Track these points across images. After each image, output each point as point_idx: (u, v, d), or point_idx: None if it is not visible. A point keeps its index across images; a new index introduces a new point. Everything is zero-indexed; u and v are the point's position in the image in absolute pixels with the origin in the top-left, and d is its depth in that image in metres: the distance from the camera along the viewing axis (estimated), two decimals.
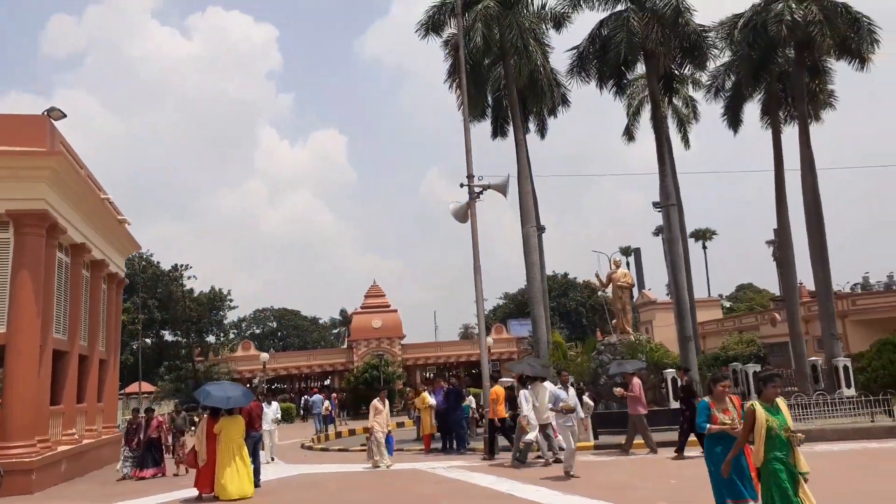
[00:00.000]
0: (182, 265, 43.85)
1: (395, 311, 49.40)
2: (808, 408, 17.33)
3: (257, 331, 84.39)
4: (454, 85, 27.18)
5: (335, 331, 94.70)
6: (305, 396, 42.78)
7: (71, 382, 18.71)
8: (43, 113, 17.76)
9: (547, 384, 14.73)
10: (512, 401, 15.93)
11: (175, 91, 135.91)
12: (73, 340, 18.90)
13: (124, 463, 16.74)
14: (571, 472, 11.84)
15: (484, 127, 29.93)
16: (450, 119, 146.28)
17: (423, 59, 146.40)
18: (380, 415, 15.28)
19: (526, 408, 13.79)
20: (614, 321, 25.68)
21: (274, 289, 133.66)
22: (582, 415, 13.62)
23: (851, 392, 19.94)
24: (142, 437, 16.56)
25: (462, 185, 18.11)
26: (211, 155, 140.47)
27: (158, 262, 55.50)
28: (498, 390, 16.58)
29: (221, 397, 11.96)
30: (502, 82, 27.70)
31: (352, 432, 28.69)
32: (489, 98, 29.23)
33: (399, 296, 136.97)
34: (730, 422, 6.56)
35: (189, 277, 44.18)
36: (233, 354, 48.10)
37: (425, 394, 18.06)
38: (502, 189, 17.63)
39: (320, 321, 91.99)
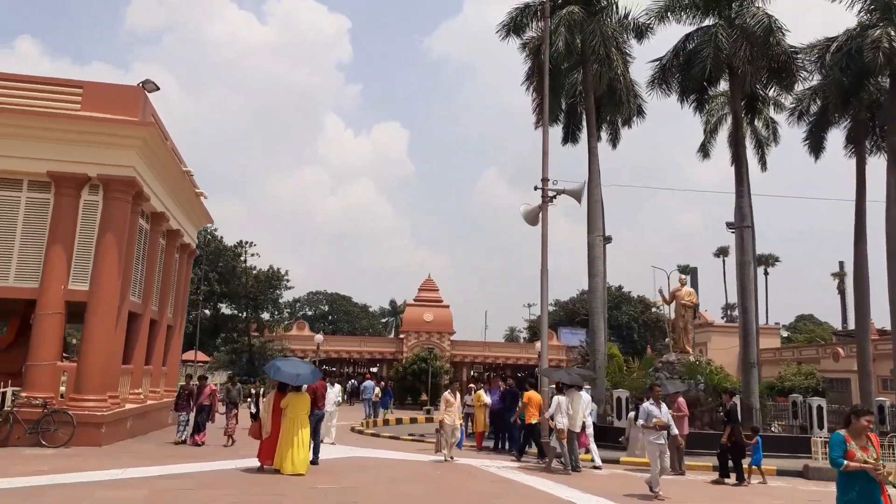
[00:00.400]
0: (247, 242, 45.03)
1: (447, 306, 49.63)
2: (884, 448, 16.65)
3: (309, 312, 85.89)
4: (531, 88, 27.17)
5: (384, 320, 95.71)
6: (353, 381, 43.51)
7: (141, 344, 19.51)
8: (138, 84, 18.44)
9: (583, 393, 15.03)
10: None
11: (246, 74, 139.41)
12: (146, 304, 19.68)
13: (179, 427, 17.26)
14: (656, 490, 11.41)
15: (554, 132, 29.80)
16: (513, 121, 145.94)
17: (491, 61, 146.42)
18: (451, 407, 15.23)
19: (556, 413, 14.04)
20: (667, 339, 25.33)
21: (325, 274, 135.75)
22: (675, 431, 12.85)
23: None
24: (193, 403, 17.04)
25: (536, 188, 18.11)
26: (276, 140, 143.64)
27: (222, 237, 57.19)
28: (532, 395, 16.73)
29: (291, 374, 12.28)
30: (578, 88, 27.49)
31: (399, 421, 29.01)
32: (563, 103, 29.03)
33: (444, 292, 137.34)
34: (872, 461, 5.65)
35: (253, 255, 45.32)
36: (287, 333, 49.15)
37: (481, 392, 18.14)
38: (577, 195, 17.56)
39: (370, 309, 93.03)
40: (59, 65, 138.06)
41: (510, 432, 17.62)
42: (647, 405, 12.43)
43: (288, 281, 55.92)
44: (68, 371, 16.00)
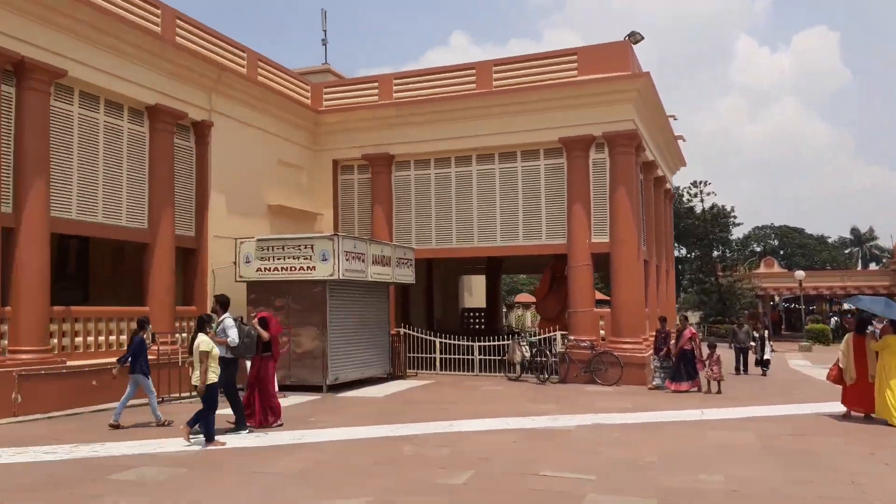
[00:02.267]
0: (701, 181, 43.79)
1: None
2: None
3: (757, 248, 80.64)
4: None
5: (846, 251, 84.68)
6: (835, 318, 39.32)
7: (651, 289, 20.21)
8: (624, 38, 18.66)
9: None
10: None
11: (646, 16, 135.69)
12: (649, 251, 20.28)
13: (655, 373, 16.24)
14: None
15: None
16: None
17: None
18: None
19: None
20: None
21: (757, 208, 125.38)
22: None
23: None
24: (671, 347, 15.74)
25: None
26: (684, 76, 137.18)
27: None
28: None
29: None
30: None
31: None
32: None
33: None
34: None
35: (709, 194, 44.08)
36: (755, 271, 46.62)
37: None
38: None
39: (829, 240, 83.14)
40: (484, 48, 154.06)
41: None
42: None
43: (735, 217, 52.82)
44: (604, 317, 17.33)
